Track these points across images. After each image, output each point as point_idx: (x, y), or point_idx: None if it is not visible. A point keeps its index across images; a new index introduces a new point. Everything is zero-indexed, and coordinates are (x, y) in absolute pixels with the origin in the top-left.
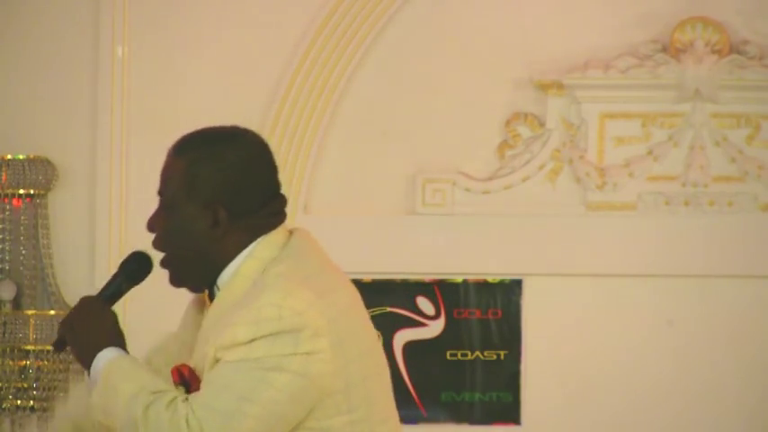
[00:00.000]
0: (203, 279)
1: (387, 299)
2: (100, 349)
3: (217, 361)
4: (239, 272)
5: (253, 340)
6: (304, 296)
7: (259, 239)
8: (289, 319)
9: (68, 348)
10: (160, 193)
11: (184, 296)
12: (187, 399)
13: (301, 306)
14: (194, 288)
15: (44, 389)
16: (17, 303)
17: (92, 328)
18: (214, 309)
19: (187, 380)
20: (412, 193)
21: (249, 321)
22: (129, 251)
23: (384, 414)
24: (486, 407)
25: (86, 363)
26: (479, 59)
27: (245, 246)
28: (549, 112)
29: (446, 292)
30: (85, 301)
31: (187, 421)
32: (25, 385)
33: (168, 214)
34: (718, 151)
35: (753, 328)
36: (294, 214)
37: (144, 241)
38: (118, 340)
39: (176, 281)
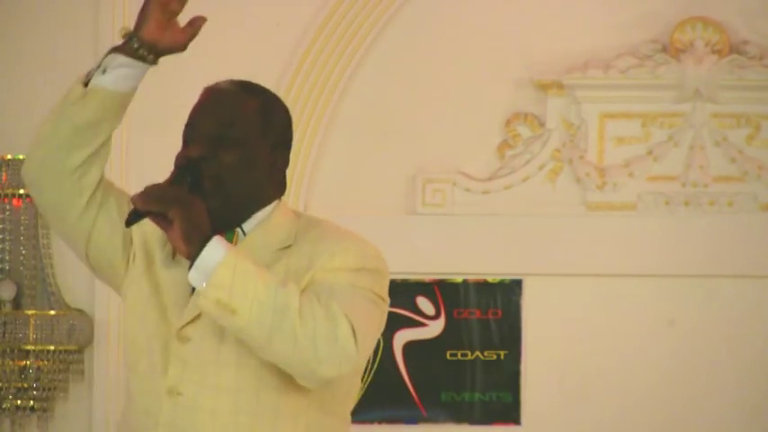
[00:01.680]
0: (240, 218)
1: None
2: (209, 234)
3: (314, 281)
4: (272, 220)
5: (360, 269)
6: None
7: (281, 198)
8: (383, 262)
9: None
10: (225, 124)
11: None
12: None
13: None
14: (222, 221)
15: (44, 389)
16: (17, 303)
17: (202, 212)
18: (244, 248)
19: None
20: (412, 193)
21: (357, 252)
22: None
23: None
24: (486, 407)
25: (193, 244)
26: (479, 59)
27: (275, 198)
28: (549, 112)
29: (446, 292)
30: (171, 185)
31: (346, 316)
32: (25, 385)
33: (239, 147)
34: (718, 151)
35: (753, 328)
36: None
37: None
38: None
39: (219, 209)
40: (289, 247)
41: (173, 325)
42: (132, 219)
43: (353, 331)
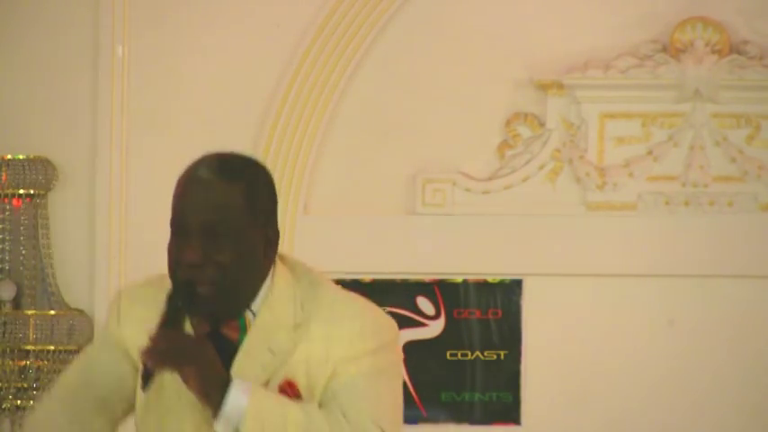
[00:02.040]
0: (246, 303)
1: (387, 299)
2: (227, 381)
3: (336, 374)
4: (275, 293)
5: (378, 349)
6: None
7: (274, 265)
8: (395, 328)
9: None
10: (214, 222)
11: None
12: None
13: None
14: (230, 316)
15: (44, 389)
16: (17, 303)
17: (214, 359)
18: (259, 332)
19: (290, 396)
20: (412, 193)
21: (373, 331)
22: (130, 251)
23: None
24: (486, 407)
25: (212, 397)
26: (479, 59)
27: (269, 270)
28: (549, 112)
29: (446, 292)
30: (175, 333)
31: (375, 424)
32: (25, 385)
33: (234, 241)
34: (718, 151)
35: (753, 328)
36: (294, 214)
37: (143, 241)
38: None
39: (223, 310)
40: (299, 325)
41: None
42: (147, 382)
43: None
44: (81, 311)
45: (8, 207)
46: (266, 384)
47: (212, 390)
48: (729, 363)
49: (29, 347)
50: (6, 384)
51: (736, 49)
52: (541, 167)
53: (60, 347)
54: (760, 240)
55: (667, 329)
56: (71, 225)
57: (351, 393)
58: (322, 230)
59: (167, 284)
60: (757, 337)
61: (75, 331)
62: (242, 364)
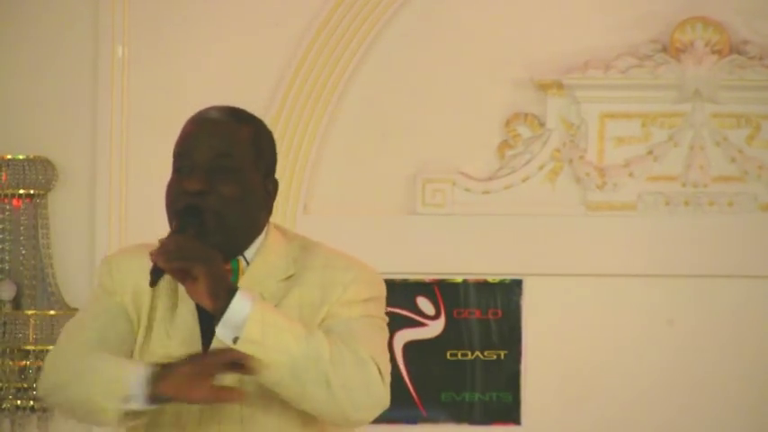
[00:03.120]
0: (242, 248)
1: (387, 299)
2: (234, 289)
3: (330, 315)
4: (268, 247)
5: (369, 299)
6: None
7: (268, 224)
8: (383, 285)
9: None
10: (221, 155)
11: None
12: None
13: None
14: (227, 250)
15: None
16: (17, 303)
17: (220, 264)
18: (251, 278)
19: None
20: (412, 193)
21: (366, 281)
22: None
23: None
24: (486, 407)
25: (220, 299)
26: (479, 59)
27: (265, 223)
28: (549, 112)
29: (446, 292)
30: (186, 237)
31: (372, 359)
32: (25, 385)
33: (236, 178)
34: (718, 151)
35: (753, 328)
36: (294, 214)
37: (143, 241)
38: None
39: (222, 244)
40: (291, 276)
41: None
42: (156, 278)
43: (380, 373)
44: None
45: (8, 207)
46: None
47: (220, 290)
48: (729, 362)
49: (29, 347)
50: (6, 384)
51: (736, 49)
52: (541, 167)
53: None
54: (760, 240)
55: (667, 329)
56: (71, 225)
57: (346, 330)
58: (322, 230)
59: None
60: (757, 336)
61: None
62: None
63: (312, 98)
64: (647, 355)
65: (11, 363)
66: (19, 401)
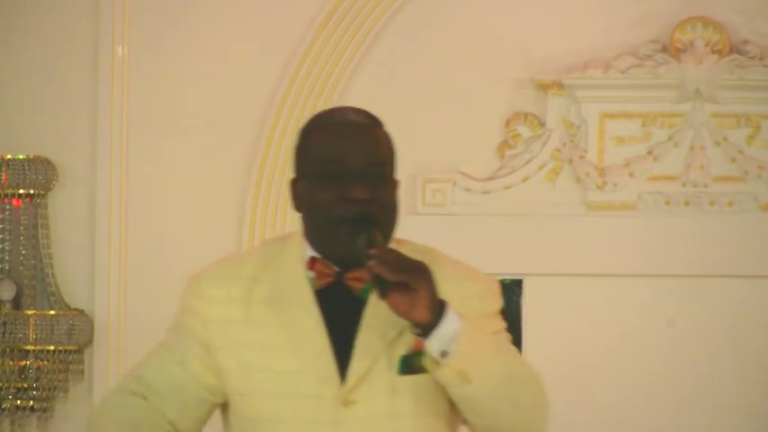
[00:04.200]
0: None
1: None
2: (444, 303)
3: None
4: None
5: (499, 311)
6: None
7: None
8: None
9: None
10: (377, 163)
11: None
12: None
13: None
14: None
15: (44, 389)
16: (17, 303)
17: (434, 278)
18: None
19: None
20: (412, 193)
21: (494, 292)
22: (130, 251)
23: None
24: None
25: (436, 312)
26: (479, 59)
27: None
28: (549, 112)
29: None
30: (395, 250)
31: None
32: (25, 385)
33: (389, 185)
34: (719, 151)
35: (753, 328)
36: (294, 214)
37: (143, 241)
38: None
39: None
40: None
41: (324, 395)
42: (383, 291)
43: (546, 393)
44: (81, 311)
45: (8, 207)
46: (399, 337)
47: (437, 304)
48: (729, 362)
49: (29, 347)
50: (6, 384)
51: (736, 49)
52: (541, 167)
53: (60, 347)
54: (760, 240)
55: (667, 329)
56: (71, 225)
57: (502, 345)
58: None
59: (241, 259)
60: (757, 337)
61: (75, 331)
62: (372, 313)
63: (312, 98)
64: (647, 355)
65: (11, 363)
66: (19, 401)
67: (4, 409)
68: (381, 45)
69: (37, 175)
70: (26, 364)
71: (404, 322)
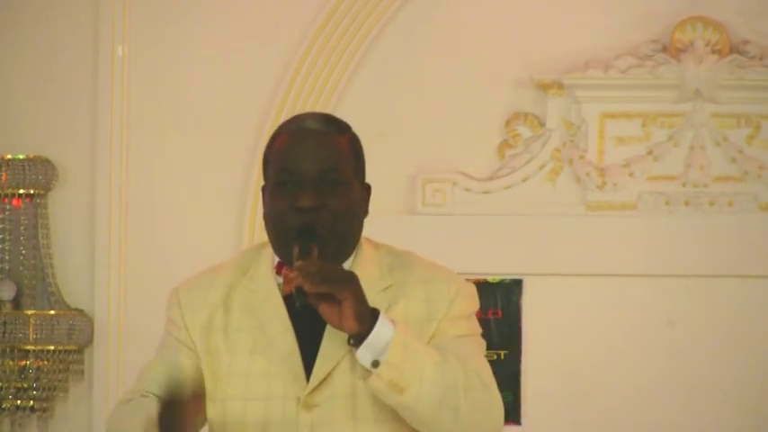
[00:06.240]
0: (346, 259)
1: None
2: (376, 312)
3: (439, 332)
4: (364, 257)
5: (471, 314)
6: None
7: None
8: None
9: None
10: (329, 170)
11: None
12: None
13: None
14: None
15: (44, 389)
16: (17, 303)
17: (361, 288)
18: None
19: None
20: (412, 193)
21: (467, 295)
22: (130, 251)
23: None
24: None
25: (365, 322)
26: (479, 59)
27: (362, 228)
28: (549, 112)
29: None
30: (322, 261)
31: (493, 384)
32: (25, 385)
33: (344, 191)
34: (719, 151)
35: (753, 328)
36: None
37: (143, 241)
38: None
39: (335, 258)
40: (389, 287)
41: (287, 396)
42: (304, 303)
43: (499, 397)
44: (81, 311)
45: (8, 207)
46: None
47: (365, 314)
48: (729, 362)
49: (29, 347)
50: (6, 384)
51: (736, 49)
52: (541, 167)
53: (60, 347)
54: (760, 240)
55: (667, 329)
56: (71, 225)
57: (459, 350)
58: None
59: (218, 268)
60: (757, 337)
61: (75, 331)
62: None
63: (312, 98)
64: (647, 355)
65: (11, 363)
66: (19, 401)
67: (4, 409)
68: (381, 45)
69: (37, 175)
70: (26, 364)
71: None
